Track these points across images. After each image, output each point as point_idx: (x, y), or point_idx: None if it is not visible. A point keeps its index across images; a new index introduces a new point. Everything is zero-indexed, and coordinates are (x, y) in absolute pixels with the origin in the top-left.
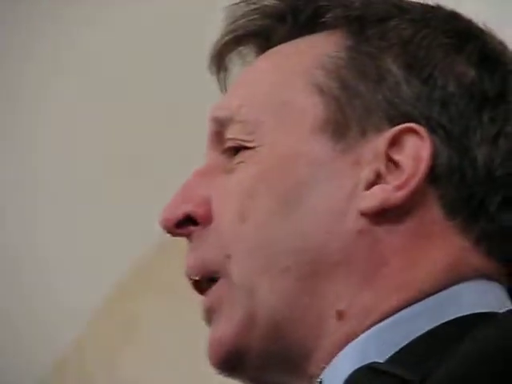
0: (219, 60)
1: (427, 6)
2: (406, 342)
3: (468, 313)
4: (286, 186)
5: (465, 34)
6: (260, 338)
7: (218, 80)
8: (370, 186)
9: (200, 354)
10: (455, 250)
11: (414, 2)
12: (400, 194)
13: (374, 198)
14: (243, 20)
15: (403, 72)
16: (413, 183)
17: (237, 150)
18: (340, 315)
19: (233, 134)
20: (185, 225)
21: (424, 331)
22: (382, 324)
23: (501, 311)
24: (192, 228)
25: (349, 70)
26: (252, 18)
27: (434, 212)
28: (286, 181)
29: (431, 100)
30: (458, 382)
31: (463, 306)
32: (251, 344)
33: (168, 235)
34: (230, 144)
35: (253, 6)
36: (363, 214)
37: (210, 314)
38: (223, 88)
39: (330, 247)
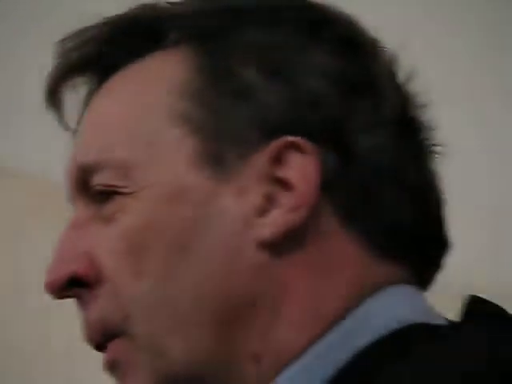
0: (55, 97)
1: (274, 1)
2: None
3: (379, 336)
4: (174, 232)
5: (321, 24)
6: None
7: (59, 119)
8: (262, 212)
9: None
10: (359, 264)
11: (259, 0)
12: (295, 216)
13: (269, 225)
14: (76, 52)
15: (264, 81)
16: (306, 201)
17: (108, 194)
18: (256, 358)
19: (102, 180)
20: (72, 287)
21: (340, 363)
22: (296, 364)
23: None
24: (80, 290)
25: (207, 90)
26: (85, 46)
27: (331, 225)
28: (173, 227)
29: (301, 105)
30: None
31: (373, 328)
32: None
33: None
34: (99, 189)
35: (84, 36)
36: (261, 245)
37: (110, 372)
38: (68, 126)
39: (234, 290)
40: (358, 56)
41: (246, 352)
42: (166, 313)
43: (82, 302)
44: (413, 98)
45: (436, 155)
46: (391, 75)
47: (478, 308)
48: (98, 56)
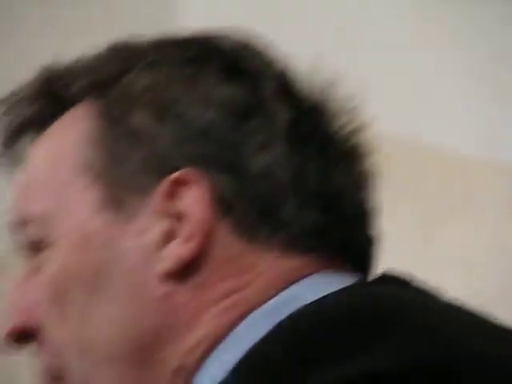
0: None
1: (159, 41)
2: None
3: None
4: (85, 277)
5: (204, 54)
6: None
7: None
8: (161, 247)
9: None
10: (269, 266)
11: (145, 42)
12: (191, 245)
13: (168, 257)
14: (10, 114)
15: (154, 122)
16: (200, 229)
17: (38, 247)
18: (175, 372)
19: (29, 233)
20: (24, 338)
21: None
22: (214, 354)
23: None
24: (30, 339)
25: (105, 136)
26: (17, 108)
27: (234, 245)
28: (84, 272)
29: (190, 137)
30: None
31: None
32: None
33: None
34: (29, 243)
35: (16, 99)
36: (163, 278)
37: None
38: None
39: (144, 324)
40: (244, 80)
41: (167, 373)
42: (89, 353)
43: (37, 350)
44: (322, 104)
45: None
46: (282, 89)
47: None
48: (31, 118)
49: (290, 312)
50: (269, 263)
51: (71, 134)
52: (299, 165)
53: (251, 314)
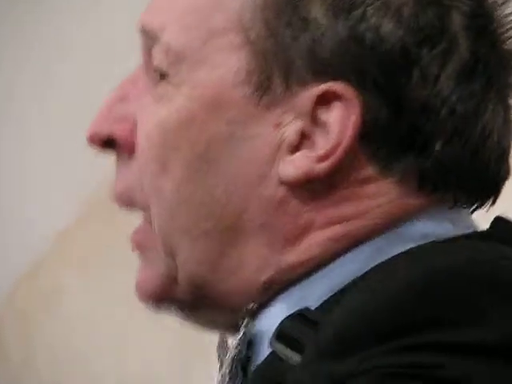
0: None
1: None
2: (339, 288)
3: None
4: (205, 142)
5: None
6: (182, 293)
7: None
8: (293, 149)
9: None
10: (393, 198)
11: None
12: (324, 165)
13: (296, 167)
14: None
15: (329, 17)
16: (338, 152)
17: (161, 76)
18: (267, 283)
19: (157, 57)
20: (110, 145)
21: (360, 273)
22: (312, 276)
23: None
24: (117, 150)
25: (272, 13)
26: None
27: (365, 171)
28: (206, 136)
29: (361, 46)
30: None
31: (403, 241)
32: (173, 297)
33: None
34: (155, 67)
35: None
36: (283, 182)
37: (137, 250)
38: None
39: (250, 214)
40: (432, 7)
41: (256, 276)
42: (180, 213)
43: (117, 163)
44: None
45: None
46: (471, 26)
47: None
48: None
49: (399, 252)
50: (392, 196)
51: None
52: (459, 102)
53: (359, 248)
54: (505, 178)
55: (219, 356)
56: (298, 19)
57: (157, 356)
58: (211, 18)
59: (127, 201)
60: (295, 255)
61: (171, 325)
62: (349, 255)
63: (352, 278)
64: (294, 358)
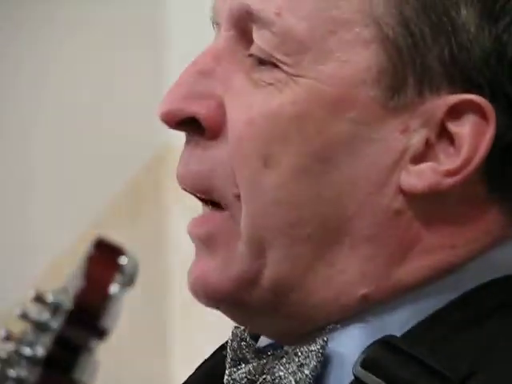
0: None
1: None
2: (427, 315)
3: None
4: (323, 139)
5: None
6: (257, 297)
7: None
8: (418, 158)
9: None
10: (497, 228)
11: None
12: (451, 181)
13: (421, 178)
14: None
15: (479, 23)
16: (468, 170)
17: (263, 61)
18: (364, 298)
19: (264, 42)
20: (187, 125)
21: (448, 301)
22: (404, 298)
23: None
24: (195, 131)
25: (414, 9)
26: None
27: (483, 193)
28: (324, 134)
29: (501, 60)
30: None
31: (497, 268)
32: (244, 300)
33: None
34: (256, 51)
35: None
36: (403, 192)
37: (200, 242)
38: None
39: (361, 221)
40: None
41: (354, 289)
42: (280, 212)
43: (190, 143)
44: None
45: None
46: None
47: None
48: None
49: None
50: (502, 224)
51: None
52: None
53: (453, 275)
54: None
55: (238, 350)
56: (445, 20)
57: None
58: (336, 6)
59: (204, 189)
60: (395, 274)
61: None
62: (440, 283)
63: (436, 308)
64: None
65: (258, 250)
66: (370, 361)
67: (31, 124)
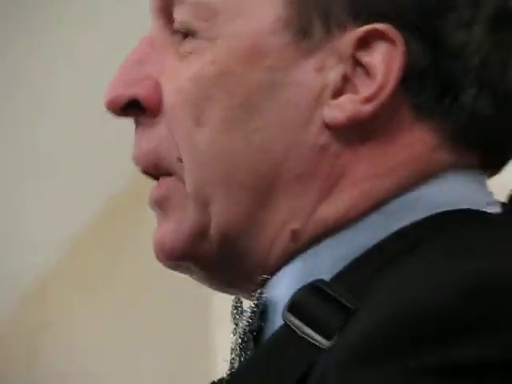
0: None
1: None
2: (354, 257)
3: (428, 214)
4: (245, 91)
5: None
6: (208, 249)
7: None
8: (337, 93)
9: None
10: (425, 151)
11: None
12: (369, 107)
13: (341, 110)
14: None
15: None
16: (384, 94)
17: (186, 34)
18: (294, 235)
19: (183, 15)
20: (130, 109)
21: (376, 242)
22: (333, 237)
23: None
24: (139, 114)
25: None
26: None
27: (403, 116)
28: (245, 85)
29: None
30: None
31: (425, 207)
32: (198, 253)
33: None
34: (178, 26)
35: None
36: (327, 127)
37: (155, 206)
38: None
39: (290, 161)
40: None
41: (285, 226)
42: (216, 165)
43: (138, 126)
44: None
45: None
46: None
47: None
48: None
49: (425, 214)
50: (427, 147)
51: None
52: (490, 51)
53: (379, 210)
54: None
55: (234, 317)
56: None
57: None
58: None
59: (153, 164)
60: (325, 208)
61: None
62: (367, 219)
63: (367, 247)
64: (317, 338)
65: (203, 204)
66: (295, 304)
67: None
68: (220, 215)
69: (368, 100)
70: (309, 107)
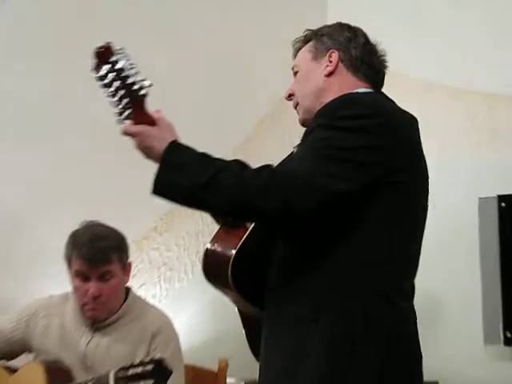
0: None
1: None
2: None
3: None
4: (313, 79)
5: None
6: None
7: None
8: (324, 68)
9: None
10: (353, 82)
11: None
12: (332, 67)
13: (326, 71)
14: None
15: (338, 49)
16: (334, 66)
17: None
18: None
19: (297, 68)
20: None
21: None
22: None
23: None
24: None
25: (318, 53)
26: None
27: (347, 72)
28: (313, 79)
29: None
30: None
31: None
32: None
33: None
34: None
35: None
36: (326, 76)
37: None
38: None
39: (318, 85)
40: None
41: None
42: (309, 95)
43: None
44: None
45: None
46: (363, 41)
47: None
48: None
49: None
50: (351, 81)
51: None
52: (365, 55)
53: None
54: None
55: None
56: (326, 52)
57: None
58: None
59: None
60: (324, 99)
61: None
62: None
63: None
64: None
65: (303, 106)
66: None
67: None
68: (305, 107)
69: (330, 66)
70: (322, 76)
